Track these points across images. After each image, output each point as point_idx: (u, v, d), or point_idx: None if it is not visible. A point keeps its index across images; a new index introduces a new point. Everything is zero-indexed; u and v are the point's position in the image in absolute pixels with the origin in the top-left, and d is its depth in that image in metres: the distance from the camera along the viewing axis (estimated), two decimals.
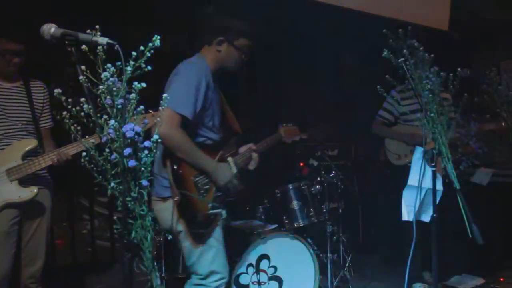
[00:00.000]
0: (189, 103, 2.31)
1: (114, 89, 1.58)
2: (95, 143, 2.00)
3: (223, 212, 2.45)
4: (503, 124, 3.35)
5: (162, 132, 1.88)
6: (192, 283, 2.47)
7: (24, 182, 2.62)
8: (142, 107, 1.65)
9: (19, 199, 2.60)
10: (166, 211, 2.35)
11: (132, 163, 1.60)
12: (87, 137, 1.72)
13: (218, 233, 2.48)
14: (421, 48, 2.43)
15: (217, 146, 2.55)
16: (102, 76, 1.58)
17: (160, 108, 1.76)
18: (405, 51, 2.42)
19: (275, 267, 3.29)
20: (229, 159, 2.60)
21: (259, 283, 3.21)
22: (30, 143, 2.70)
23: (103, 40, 1.63)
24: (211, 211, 2.40)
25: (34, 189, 2.64)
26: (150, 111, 1.95)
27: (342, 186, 3.98)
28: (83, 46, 1.60)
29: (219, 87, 2.64)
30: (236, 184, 2.52)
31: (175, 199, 2.27)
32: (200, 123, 2.44)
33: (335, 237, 3.94)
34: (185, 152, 2.31)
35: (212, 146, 2.52)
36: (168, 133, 2.19)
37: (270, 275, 3.28)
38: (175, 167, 2.30)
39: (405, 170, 2.94)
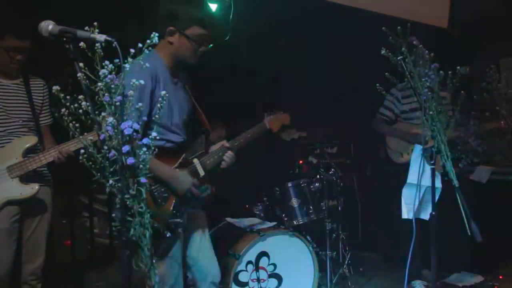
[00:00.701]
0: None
1: (112, 86, 1.58)
2: (93, 140, 1.99)
3: (182, 220, 2.28)
4: (502, 122, 3.35)
5: None
6: None
7: (25, 179, 2.63)
8: (140, 104, 1.65)
9: (20, 196, 2.61)
10: None
11: (130, 160, 1.60)
12: (85, 134, 1.72)
13: (176, 251, 2.32)
14: (420, 46, 2.43)
15: (180, 148, 2.37)
16: (100, 73, 1.57)
17: None
18: (403, 48, 2.41)
19: (274, 265, 3.29)
20: (195, 161, 2.42)
21: (258, 280, 3.22)
22: (31, 140, 2.71)
23: (101, 37, 1.63)
24: (171, 220, 2.23)
25: (35, 186, 2.64)
26: None
27: (341, 184, 3.98)
28: (81, 43, 1.60)
29: (188, 82, 2.47)
30: (198, 192, 2.33)
31: None
32: (155, 125, 2.15)
33: (334, 235, 3.95)
34: None
35: (173, 149, 2.33)
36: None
37: (270, 273, 3.29)
38: None
39: (407, 168, 2.94)
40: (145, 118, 1.71)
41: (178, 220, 2.26)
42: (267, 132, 2.82)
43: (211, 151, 2.52)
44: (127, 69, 1.60)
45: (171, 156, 2.31)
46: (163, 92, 1.76)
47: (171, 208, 2.27)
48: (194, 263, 2.53)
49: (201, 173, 2.42)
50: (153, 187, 2.21)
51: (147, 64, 1.81)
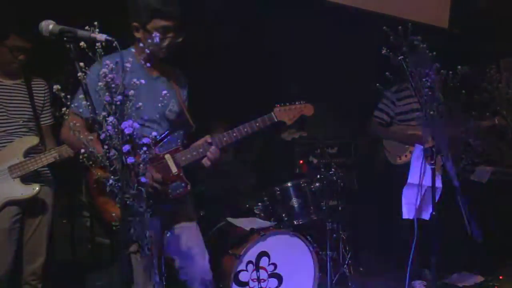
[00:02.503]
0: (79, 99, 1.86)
1: (113, 85, 1.58)
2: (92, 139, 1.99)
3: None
4: (496, 121, 3.34)
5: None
6: None
7: (26, 179, 2.63)
8: (140, 103, 1.65)
9: (21, 196, 2.61)
10: None
11: (130, 159, 1.60)
12: (85, 133, 1.72)
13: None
14: (422, 46, 2.43)
15: (154, 144, 2.27)
16: (101, 72, 1.58)
17: None
18: (404, 48, 2.41)
19: (274, 265, 3.29)
20: (166, 156, 2.34)
21: (258, 280, 3.22)
22: (32, 141, 2.72)
23: (102, 37, 1.63)
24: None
25: (36, 187, 2.65)
26: None
27: (341, 184, 3.98)
28: (82, 43, 1.60)
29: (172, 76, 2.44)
30: (162, 188, 2.23)
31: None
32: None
33: (334, 235, 3.94)
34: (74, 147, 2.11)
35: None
36: (63, 137, 2.07)
37: (270, 272, 3.28)
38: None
39: (404, 169, 2.95)
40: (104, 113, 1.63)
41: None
42: (276, 124, 2.64)
43: (190, 147, 2.42)
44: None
45: None
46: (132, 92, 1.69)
47: None
48: (181, 262, 2.46)
49: (173, 169, 2.32)
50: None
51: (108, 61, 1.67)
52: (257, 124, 2.52)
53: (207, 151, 2.39)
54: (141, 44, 2.21)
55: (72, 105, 1.95)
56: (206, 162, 2.40)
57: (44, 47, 2.29)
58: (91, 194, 2.15)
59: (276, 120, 2.60)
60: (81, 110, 1.98)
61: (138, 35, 2.26)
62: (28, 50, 2.71)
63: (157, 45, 2.20)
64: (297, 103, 2.70)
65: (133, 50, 2.31)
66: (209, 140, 2.42)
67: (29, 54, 2.72)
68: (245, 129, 2.49)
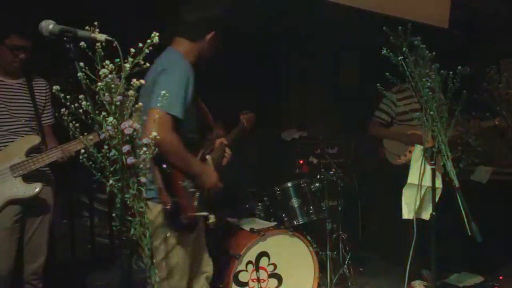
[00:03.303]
0: (180, 103, 2.12)
1: (113, 86, 1.58)
2: (93, 140, 1.98)
3: (211, 216, 2.31)
4: (496, 122, 3.34)
5: (159, 136, 1.72)
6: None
7: (28, 178, 2.63)
8: (140, 103, 1.65)
9: (23, 195, 2.61)
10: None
11: (130, 160, 1.60)
12: (85, 134, 1.72)
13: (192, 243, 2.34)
14: (422, 46, 2.43)
15: (197, 145, 2.39)
16: (101, 73, 1.57)
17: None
18: (404, 48, 2.41)
19: (274, 265, 3.29)
20: (208, 157, 2.44)
21: (258, 280, 3.22)
22: (34, 140, 2.72)
23: (102, 37, 1.63)
24: (197, 214, 2.26)
25: (38, 186, 2.64)
26: None
27: (341, 184, 3.98)
28: (82, 43, 1.60)
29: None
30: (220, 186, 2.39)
31: (167, 206, 2.10)
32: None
33: (334, 235, 3.94)
34: (180, 157, 2.12)
35: (193, 145, 2.33)
36: (165, 137, 1.99)
37: (270, 273, 3.29)
38: (164, 172, 2.10)
39: (404, 169, 2.95)
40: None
41: (206, 213, 2.29)
42: (244, 131, 2.97)
43: (214, 148, 2.57)
44: (166, 66, 2.06)
45: (193, 152, 2.28)
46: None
47: (196, 202, 2.26)
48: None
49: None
50: (185, 183, 2.20)
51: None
52: (239, 131, 2.91)
53: (225, 152, 2.60)
54: (199, 50, 2.35)
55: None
56: (224, 162, 2.58)
57: (43, 46, 2.29)
58: (174, 188, 2.17)
59: (245, 126, 2.99)
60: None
61: (207, 40, 2.36)
62: (28, 49, 2.71)
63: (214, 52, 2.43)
64: (248, 112, 3.08)
65: (181, 55, 2.30)
66: (225, 142, 2.61)
67: (29, 53, 2.72)
68: (235, 134, 2.84)
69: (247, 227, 3.38)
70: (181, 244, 2.23)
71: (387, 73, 2.54)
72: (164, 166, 2.07)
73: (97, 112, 1.60)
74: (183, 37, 2.33)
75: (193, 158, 2.23)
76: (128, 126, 1.59)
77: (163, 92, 1.77)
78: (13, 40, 2.65)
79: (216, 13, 2.35)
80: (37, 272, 2.79)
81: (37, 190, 2.64)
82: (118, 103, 1.59)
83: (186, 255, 2.27)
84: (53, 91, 1.60)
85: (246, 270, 3.19)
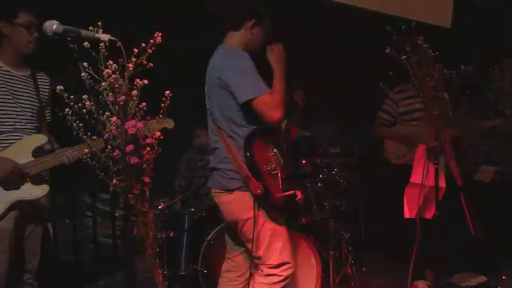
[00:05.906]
0: (260, 81, 2.32)
1: (116, 86, 1.58)
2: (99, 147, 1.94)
3: (298, 192, 2.38)
4: (497, 122, 3.33)
5: (278, 117, 2.18)
6: (265, 273, 2.40)
7: (35, 179, 2.59)
8: (143, 104, 1.65)
9: (31, 197, 2.55)
10: (234, 203, 2.34)
11: (134, 160, 1.60)
12: (92, 137, 1.70)
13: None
14: (425, 46, 2.42)
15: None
16: (104, 73, 1.58)
17: None
18: (407, 48, 2.41)
19: None
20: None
21: None
22: (40, 140, 2.65)
23: (105, 37, 1.63)
24: (286, 193, 2.35)
25: (46, 188, 2.59)
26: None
27: (344, 184, 3.97)
28: (85, 43, 1.60)
29: None
30: None
31: (258, 191, 2.23)
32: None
33: (337, 234, 3.94)
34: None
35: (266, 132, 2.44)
36: (277, 115, 2.25)
37: None
38: (248, 159, 2.26)
39: (405, 169, 2.94)
40: None
41: (292, 192, 2.37)
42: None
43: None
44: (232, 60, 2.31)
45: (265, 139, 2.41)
46: None
47: (281, 183, 2.36)
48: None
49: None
50: (269, 167, 2.33)
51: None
52: None
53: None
54: (247, 41, 2.48)
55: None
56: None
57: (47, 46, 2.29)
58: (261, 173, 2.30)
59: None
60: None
61: (253, 31, 2.48)
62: (37, 27, 2.66)
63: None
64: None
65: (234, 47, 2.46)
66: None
67: (38, 33, 2.68)
68: None
69: None
70: (281, 225, 2.39)
71: (390, 73, 2.53)
72: (275, 151, 2.35)
73: (100, 112, 1.60)
74: (228, 30, 2.46)
75: None
76: (132, 126, 1.59)
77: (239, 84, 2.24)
78: (23, 17, 2.61)
79: (250, 2, 2.48)
80: (32, 271, 2.79)
81: (45, 191, 2.58)
82: (121, 103, 1.59)
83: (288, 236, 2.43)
84: (57, 91, 1.60)
85: None
